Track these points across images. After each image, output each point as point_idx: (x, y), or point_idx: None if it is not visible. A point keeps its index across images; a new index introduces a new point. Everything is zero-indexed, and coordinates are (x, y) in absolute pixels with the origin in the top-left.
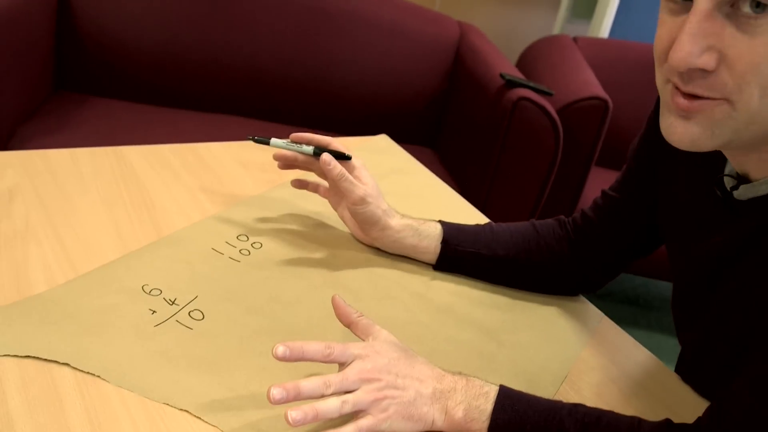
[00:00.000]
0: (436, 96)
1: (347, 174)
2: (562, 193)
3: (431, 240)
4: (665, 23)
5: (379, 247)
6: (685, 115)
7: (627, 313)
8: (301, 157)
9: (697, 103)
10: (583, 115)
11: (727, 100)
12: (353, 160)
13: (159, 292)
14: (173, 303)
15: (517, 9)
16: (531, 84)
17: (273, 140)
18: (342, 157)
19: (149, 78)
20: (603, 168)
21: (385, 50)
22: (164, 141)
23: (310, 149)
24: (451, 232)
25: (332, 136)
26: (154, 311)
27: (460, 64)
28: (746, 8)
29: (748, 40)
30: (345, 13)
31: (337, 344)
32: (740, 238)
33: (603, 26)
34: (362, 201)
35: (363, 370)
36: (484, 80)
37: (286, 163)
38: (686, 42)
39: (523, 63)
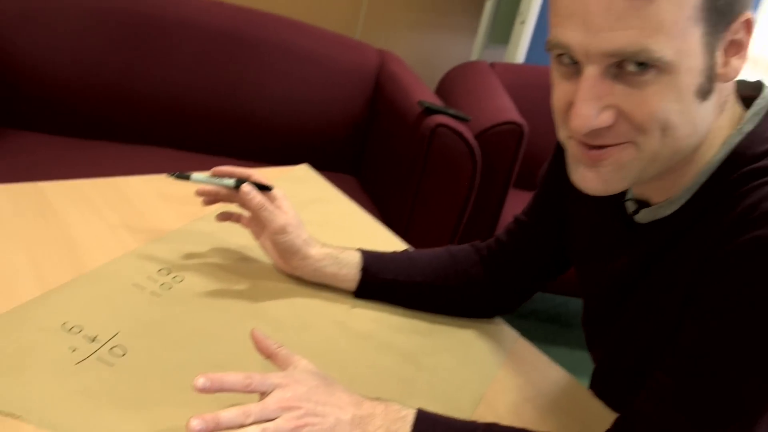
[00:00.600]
0: (357, 124)
1: (267, 203)
2: (482, 216)
3: (351, 268)
4: (560, 85)
5: (300, 276)
6: (594, 164)
7: (549, 331)
8: (223, 190)
9: (605, 150)
10: (500, 139)
11: (632, 143)
12: (274, 190)
13: (80, 329)
14: (94, 340)
15: (436, 36)
16: (448, 110)
17: (194, 175)
18: (263, 188)
19: (67, 110)
20: (521, 190)
21: (306, 79)
22: (84, 174)
23: (231, 182)
24: (370, 260)
25: (254, 165)
26: (74, 349)
27: (380, 92)
28: (631, 67)
29: (638, 93)
30: (266, 43)
31: (257, 374)
32: (642, 259)
33: (519, 52)
34: (282, 230)
35: (283, 399)
36: (403, 107)
37: (209, 199)
38: (583, 108)
39: (442, 89)
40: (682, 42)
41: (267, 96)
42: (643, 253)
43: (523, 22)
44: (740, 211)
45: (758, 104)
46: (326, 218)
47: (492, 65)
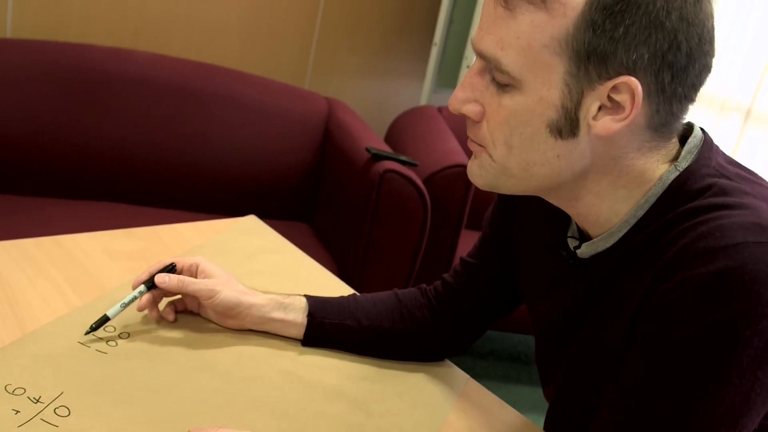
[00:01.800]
0: (307, 172)
1: (186, 279)
2: (436, 258)
3: (297, 313)
4: None
5: (249, 327)
6: (473, 155)
7: (510, 370)
8: (150, 297)
9: (474, 145)
10: (449, 182)
11: (486, 150)
12: (196, 259)
13: (23, 391)
14: (38, 401)
15: (385, 82)
16: (396, 156)
17: (109, 313)
18: (170, 269)
19: (15, 166)
20: (474, 231)
21: (256, 129)
22: (33, 232)
23: (143, 288)
24: (317, 305)
25: (205, 217)
26: (17, 411)
27: (329, 140)
28: (497, 75)
29: (496, 101)
30: (214, 95)
31: None
32: (587, 293)
33: None
34: (212, 293)
35: None
36: (352, 154)
37: (151, 307)
38: (458, 90)
39: (391, 134)
40: (538, 68)
41: (217, 147)
42: (586, 289)
43: (468, 66)
44: (675, 251)
45: (691, 143)
46: (275, 268)
47: (440, 109)
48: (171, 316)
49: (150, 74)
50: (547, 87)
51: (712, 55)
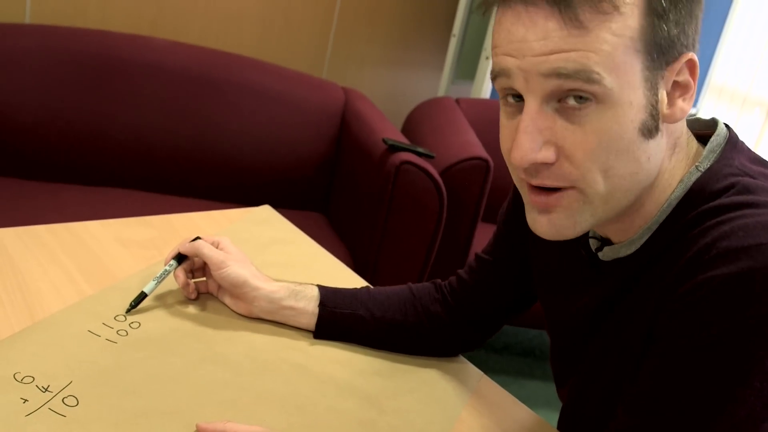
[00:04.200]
0: (323, 162)
1: (203, 243)
2: (451, 251)
3: (309, 301)
4: (505, 126)
5: (258, 315)
6: (545, 210)
7: (523, 365)
8: (183, 271)
9: (552, 197)
10: (466, 175)
11: (576, 188)
12: (219, 238)
13: (31, 379)
14: (46, 390)
15: (402, 73)
16: (413, 147)
17: (146, 289)
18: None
19: (30, 152)
20: (490, 224)
21: (272, 118)
22: (47, 217)
23: (173, 263)
24: (328, 295)
25: (220, 205)
26: (25, 400)
27: (346, 130)
28: (571, 101)
29: (578, 129)
30: (231, 83)
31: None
32: (605, 297)
33: (484, 87)
34: (222, 264)
35: None
36: (368, 145)
37: (191, 284)
38: (523, 140)
39: (408, 125)
40: (622, 72)
41: (233, 136)
42: (606, 292)
43: (488, 58)
44: (696, 251)
45: (714, 141)
46: (289, 259)
47: (458, 101)
48: (194, 294)
49: (167, 61)
50: (632, 89)
51: None
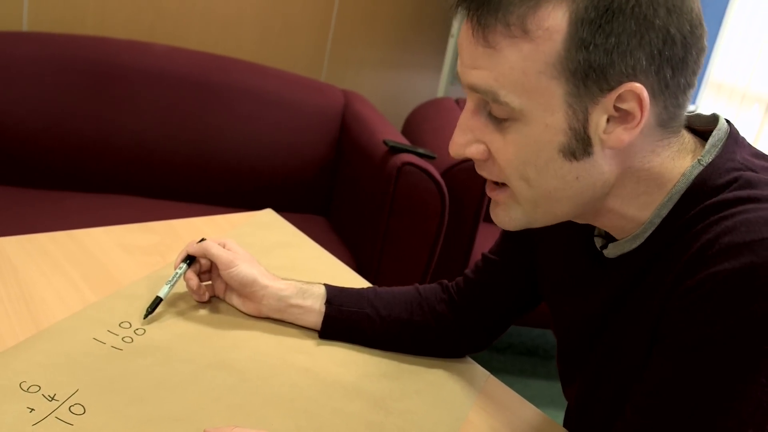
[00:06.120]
0: (324, 165)
1: (211, 243)
2: (454, 252)
3: (316, 299)
4: None
5: (266, 313)
6: (494, 203)
7: (527, 364)
8: (192, 274)
9: (495, 192)
10: (467, 175)
11: (507, 186)
12: (226, 239)
13: (38, 388)
14: (53, 399)
15: (401, 74)
16: (413, 149)
17: (160, 294)
18: (192, 258)
19: (32, 159)
20: (492, 224)
21: (272, 122)
22: (49, 225)
23: (183, 266)
24: (335, 293)
25: (222, 210)
26: (32, 409)
27: (346, 133)
28: (494, 110)
29: (501, 138)
30: (231, 88)
31: None
32: (612, 294)
33: None
34: (231, 263)
35: None
36: (369, 147)
37: (201, 286)
38: (455, 135)
39: (408, 127)
40: (536, 95)
41: (234, 141)
42: (612, 289)
43: None
44: (699, 247)
45: (715, 136)
46: (292, 262)
47: (457, 101)
48: (205, 297)
49: (166, 67)
50: (550, 112)
51: (705, 36)
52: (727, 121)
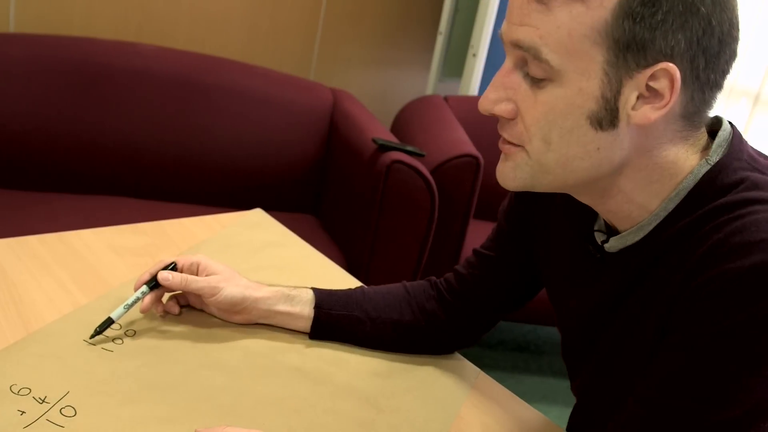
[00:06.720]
0: (313, 163)
1: (189, 277)
2: (444, 249)
3: (304, 305)
4: None
5: (255, 321)
6: (504, 157)
7: (519, 360)
8: (152, 298)
9: (507, 146)
10: (456, 172)
11: (524, 149)
12: (197, 257)
13: (28, 391)
14: (43, 401)
15: (390, 72)
16: (403, 146)
17: (113, 316)
18: (172, 268)
19: (20, 161)
20: (482, 221)
21: (261, 121)
22: (38, 227)
23: (145, 288)
24: (323, 297)
25: (211, 210)
26: (23, 412)
27: (335, 131)
28: (533, 69)
29: (533, 97)
30: (219, 87)
31: None
32: (615, 288)
33: (472, 84)
34: (215, 290)
35: None
36: (358, 145)
37: (157, 306)
38: (488, 92)
39: (397, 124)
40: (577, 58)
41: (222, 140)
42: (615, 283)
43: (474, 55)
44: (709, 246)
45: (721, 136)
46: (283, 262)
47: (446, 99)
48: (176, 309)
49: (154, 67)
50: (586, 78)
51: (738, 41)
52: (730, 122)
